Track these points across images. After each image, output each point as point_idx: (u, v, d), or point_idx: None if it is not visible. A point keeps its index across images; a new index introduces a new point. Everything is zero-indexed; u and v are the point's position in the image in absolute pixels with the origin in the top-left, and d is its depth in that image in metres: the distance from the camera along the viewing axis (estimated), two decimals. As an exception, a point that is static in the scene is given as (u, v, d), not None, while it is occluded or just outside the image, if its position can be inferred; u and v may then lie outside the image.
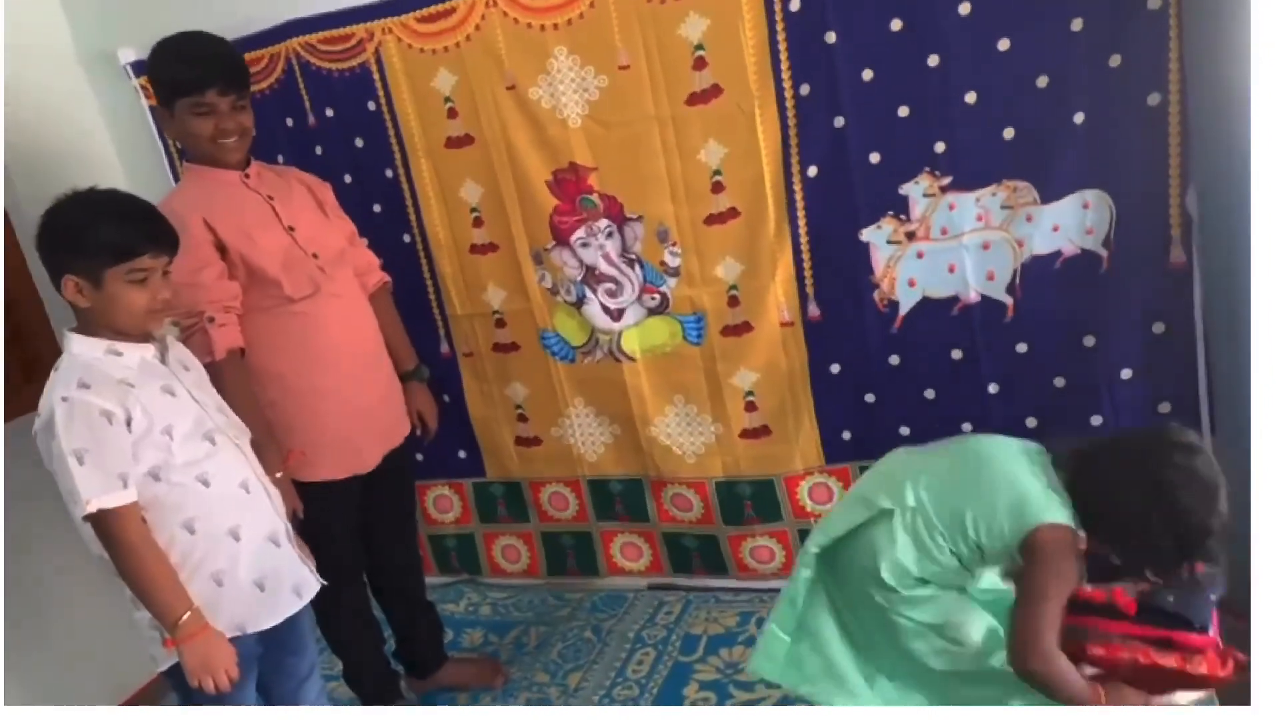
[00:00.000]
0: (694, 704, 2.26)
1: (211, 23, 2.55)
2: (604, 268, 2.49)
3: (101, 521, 1.59)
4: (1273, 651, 1.29)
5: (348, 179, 2.62)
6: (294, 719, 2.22)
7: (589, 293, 2.52)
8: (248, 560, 1.74)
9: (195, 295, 1.91)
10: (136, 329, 1.68)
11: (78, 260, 1.61)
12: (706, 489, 2.62)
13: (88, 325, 1.66)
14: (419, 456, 2.67)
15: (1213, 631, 1.62)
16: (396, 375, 2.33)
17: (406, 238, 2.65)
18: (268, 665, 1.87)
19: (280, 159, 2.63)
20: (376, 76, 2.50)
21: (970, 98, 2.07)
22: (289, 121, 2.63)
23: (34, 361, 2.70)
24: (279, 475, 1.93)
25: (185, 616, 1.64)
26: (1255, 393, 1.87)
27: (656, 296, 2.48)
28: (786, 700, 2.11)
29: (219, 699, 1.71)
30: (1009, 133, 2.08)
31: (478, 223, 2.58)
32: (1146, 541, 1.55)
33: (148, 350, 1.70)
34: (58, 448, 1.57)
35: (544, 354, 2.64)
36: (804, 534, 2.54)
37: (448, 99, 2.46)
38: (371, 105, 2.54)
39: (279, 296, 2.03)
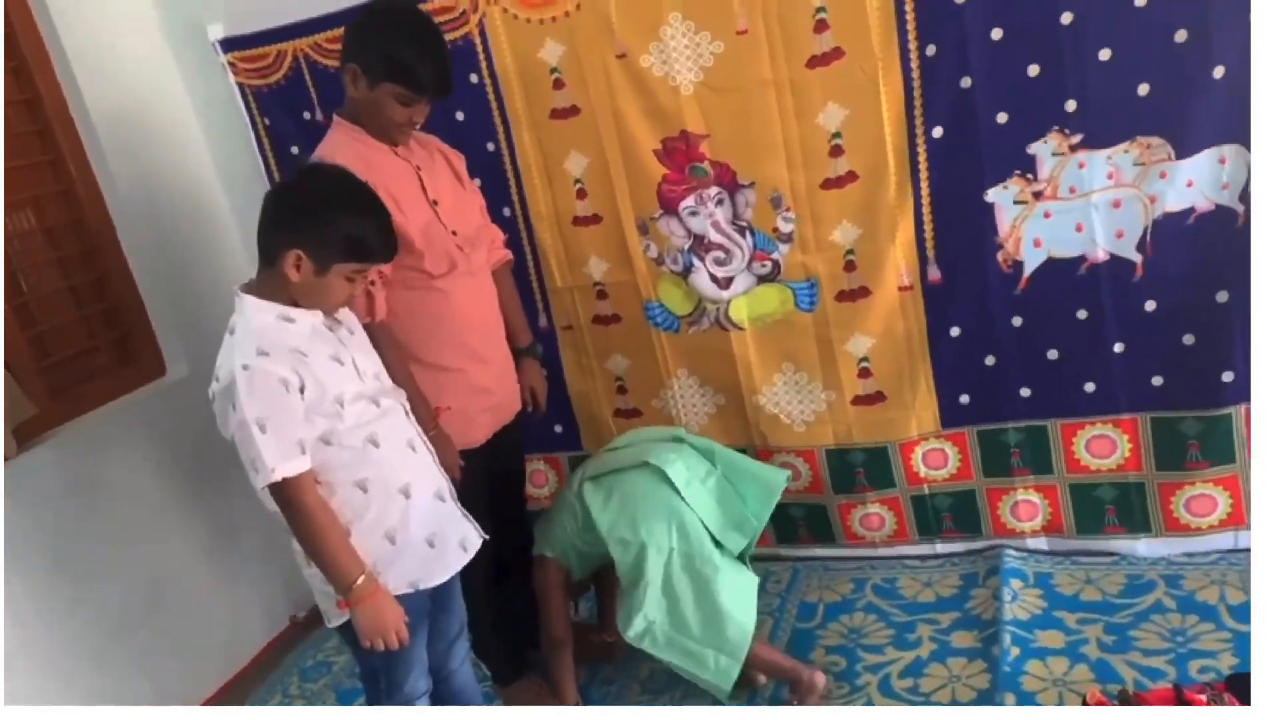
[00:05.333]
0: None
1: None
2: (713, 236, 2.47)
3: (282, 488, 1.60)
4: (1273, 651, 1.29)
5: (448, 153, 2.60)
6: (296, 719, 2.24)
7: (696, 261, 2.50)
8: (418, 517, 1.74)
9: None
10: (324, 313, 1.70)
11: (313, 243, 1.61)
12: (816, 457, 2.61)
13: (266, 290, 1.65)
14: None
15: None
16: (510, 351, 2.31)
17: (506, 211, 2.63)
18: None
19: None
20: (480, 48, 2.48)
21: (1104, 55, 2.07)
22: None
23: (125, 340, 2.69)
24: (433, 433, 1.93)
25: (359, 580, 1.65)
26: (1255, 399, 1.86)
27: (768, 264, 2.46)
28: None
29: (389, 656, 1.73)
30: (1144, 89, 2.07)
31: (581, 194, 2.56)
32: None
33: (317, 317, 1.69)
34: (239, 415, 1.56)
35: (647, 325, 2.63)
36: (916, 500, 2.57)
37: (554, 69, 2.44)
38: (474, 78, 2.51)
39: (417, 270, 2.02)
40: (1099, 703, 1.77)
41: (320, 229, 1.62)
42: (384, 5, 2.04)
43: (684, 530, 2.16)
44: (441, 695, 1.99)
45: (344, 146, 2.01)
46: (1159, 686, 1.80)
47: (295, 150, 2.80)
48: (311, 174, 1.69)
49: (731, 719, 2.10)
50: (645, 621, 2.13)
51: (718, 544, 2.20)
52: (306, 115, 2.73)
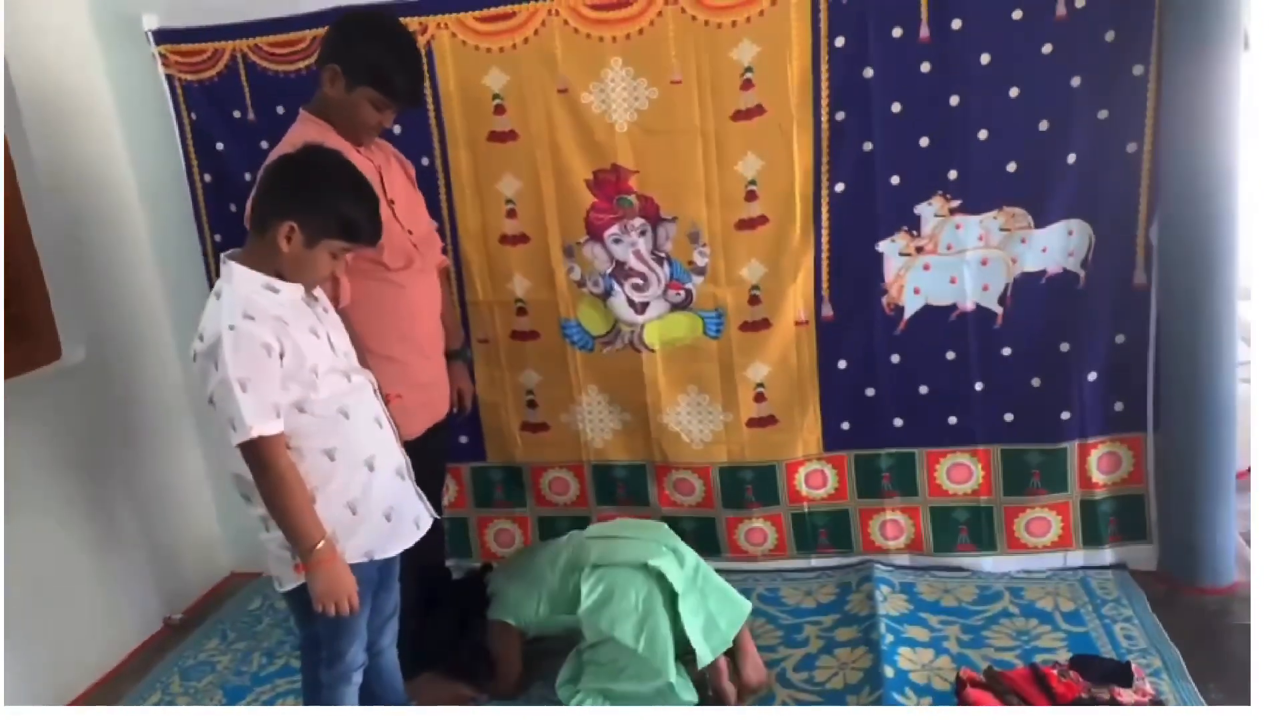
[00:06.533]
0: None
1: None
2: (633, 263, 2.69)
3: (256, 447, 1.66)
4: (1273, 651, 1.34)
5: (383, 163, 2.70)
6: (292, 719, 2.26)
7: (616, 286, 2.71)
8: (379, 490, 1.83)
9: None
10: (304, 285, 1.79)
11: (310, 217, 1.70)
12: (710, 474, 2.84)
13: (254, 259, 1.73)
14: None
15: None
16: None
17: (434, 224, 2.74)
18: None
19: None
20: (425, 68, 2.61)
21: (982, 134, 2.45)
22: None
23: (22, 320, 2.61)
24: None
25: (320, 545, 1.72)
26: (1256, 400, 2.18)
27: (681, 293, 2.70)
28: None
29: (336, 623, 1.79)
30: (1012, 166, 2.46)
31: (511, 214, 2.72)
32: None
33: (298, 291, 1.78)
34: (222, 373, 1.62)
35: (563, 342, 2.79)
36: (796, 518, 2.83)
37: (496, 96, 2.62)
38: (416, 94, 2.64)
39: (375, 262, 2.11)
40: (970, 678, 2.04)
41: (317, 204, 1.72)
42: (369, 14, 2.18)
43: (651, 640, 2.21)
44: (370, 670, 2.04)
45: (312, 137, 2.10)
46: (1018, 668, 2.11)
47: (220, 147, 2.83)
48: (313, 153, 1.78)
49: (730, 718, 2.19)
50: (580, 696, 2.27)
51: (686, 650, 2.25)
52: (237, 114, 2.78)
